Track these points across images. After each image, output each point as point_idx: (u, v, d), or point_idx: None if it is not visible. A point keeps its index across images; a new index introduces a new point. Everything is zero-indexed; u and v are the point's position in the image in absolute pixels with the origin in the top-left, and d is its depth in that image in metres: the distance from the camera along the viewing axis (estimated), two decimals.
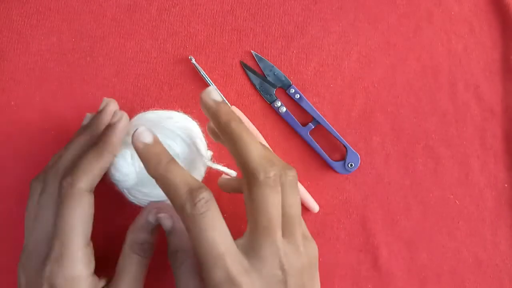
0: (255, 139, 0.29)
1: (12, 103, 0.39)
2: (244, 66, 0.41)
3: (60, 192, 0.29)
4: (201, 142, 0.34)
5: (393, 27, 0.43)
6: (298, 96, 0.41)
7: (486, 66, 0.44)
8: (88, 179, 0.30)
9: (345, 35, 0.43)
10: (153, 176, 0.28)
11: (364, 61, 0.43)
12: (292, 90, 0.41)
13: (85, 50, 0.40)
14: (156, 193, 0.33)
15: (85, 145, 0.32)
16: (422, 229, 0.41)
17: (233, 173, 0.34)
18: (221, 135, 0.30)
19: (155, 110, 0.35)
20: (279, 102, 0.41)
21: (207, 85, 0.40)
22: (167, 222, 0.32)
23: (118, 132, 0.31)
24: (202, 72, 0.40)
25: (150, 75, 0.40)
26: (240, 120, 0.30)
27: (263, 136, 0.40)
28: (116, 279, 0.31)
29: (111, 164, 0.32)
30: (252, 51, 0.41)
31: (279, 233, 0.28)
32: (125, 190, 0.33)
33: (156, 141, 0.29)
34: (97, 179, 0.30)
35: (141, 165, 0.30)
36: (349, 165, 0.40)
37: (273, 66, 0.41)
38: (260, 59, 0.41)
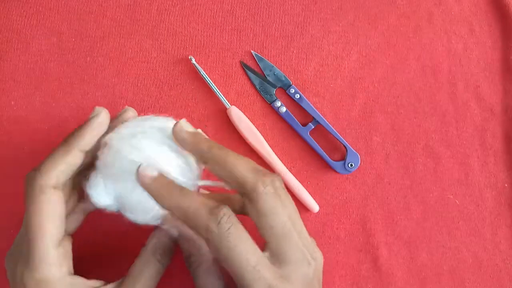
0: (239, 156, 0.29)
1: (12, 103, 0.39)
2: (244, 66, 0.41)
3: (24, 188, 0.28)
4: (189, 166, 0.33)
5: (393, 27, 0.43)
6: (298, 96, 0.41)
7: (486, 66, 0.44)
8: (52, 175, 0.28)
9: (345, 35, 0.43)
10: (168, 208, 0.28)
11: (364, 61, 0.43)
12: (292, 90, 0.41)
13: (85, 50, 0.40)
14: (142, 218, 0.31)
15: None
16: (422, 229, 0.41)
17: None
18: (207, 162, 0.29)
19: (135, 118, 0.33)
20: (279, 102, 0.41)
21: (207, 85, 0.40)
22: (173, 232, 0.31)
23: (90, 127, 0.30)
24: (202, 72, 0.40)
25: (150, 75, 0.40)
26: (218, 144, 0.30)
27: (263, 136, 0.40)
28: (130, 282, 0.30)
29: (89, 192, 0.30)
30: (252, 51, 0.41)
31: (295, 234, 0.28)
32: (116, 212, 0.32)
33: (161, 173, 0.29)
34: (64, 176, 0.29)
35: (117, 189, 0.29)
36: (349, 165, 0.40)
37: (273, 66, 0.41)
38: (260, 59, 0.41)
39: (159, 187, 0.28)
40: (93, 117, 0.30)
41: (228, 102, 0.40)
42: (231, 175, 0.28)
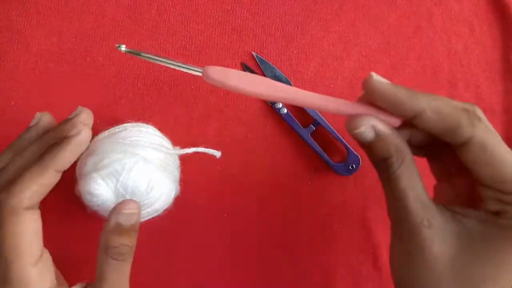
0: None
1: (12, 103, 0.39)
2: (245, 67, 0.41)
3: None
4: (165, 140, 0.35)
5: (393, 27, 0.43)
6: None
7: (486, 66, 0.44)
8: (26, 196, 0.27)
9: (345, 35, 0.43)
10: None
11: (364, 61, 0.43)
12: None
13: (85, 50, 0.40)
14: (143, 213, 0.33)
15: (34, 156, 0.29)
16: None
17: (216, 152, 0.35)
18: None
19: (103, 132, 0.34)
20: (280, 103, 0.41)
21: (207, 84, 0.40)
22: (368, 134, 0.28)
23: (70, 147, 0.28)
24: (147, 55, 0.30)
25: (150, 75, 0.40)
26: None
27: (263, 136, 0.40)
28: (97, 286, 0.28)
29: (85, 193, 0.30)
30: (253, 52, 0.41)
31: None
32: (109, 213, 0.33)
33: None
34: (38, 196, 0.28)
35: (114, 182, 0.30)
36: (350, 167, 0.40)
37: (274, 68, 0.41)
38: (261, 60, 0.41)
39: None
40: (74, 136, 0.28)
41: (228, 102, 0.40)
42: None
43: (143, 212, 0.33)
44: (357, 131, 0.27)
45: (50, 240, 0.39)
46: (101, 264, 0.28)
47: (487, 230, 0.26)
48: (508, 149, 0.26)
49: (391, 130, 0.27)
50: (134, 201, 0.29)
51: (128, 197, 0.31)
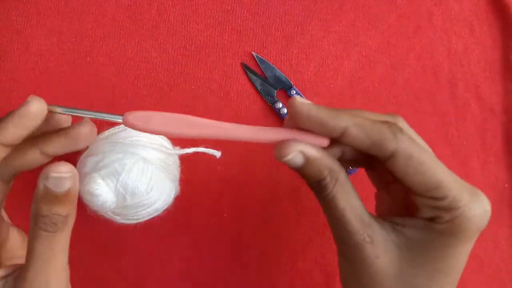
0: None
1: (12, 103, 0.39)
2: (245, 67, 0.41)
3: None
4: (165, 140, 0.35)
5: (393, 27, 0.43)
6: None
7: (486, 66, 0.44)
8: None
9: (345, 35, 0.43)
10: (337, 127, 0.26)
11: (364, 61, 0.43)
12: (293, 92, 0.41)
13: (85, 50, 0.40)
14: (143, 213, 0.33)
15: None
16: None
17: (216, 152, 0.35)
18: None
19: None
20: (280, 103, 0.41)
21: (207, 85, 0.40)
22: (297, 160, 0.27)
23: (12, 118, 0.27)
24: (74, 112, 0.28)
25: (150, 75, 0.40)
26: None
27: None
28: (25, 264, 0.25)
29: (85, 193, 0.30)
30: (253, 52, 0.41)
31: None
32: (109, 213, 0.33)
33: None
34: None
35: (114, 182, 0.30)
36: (349, 167, 0.40)
37: (274, 68, 0.41)
38: (261, 60, 0.41)
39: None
40: (19, 107, 0.26)
41: (229, 102, 0.40)
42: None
43: (143, 212, 0.33)
44: (286, 158, 0.27)
45: None
46: (31, 237, 0.25)
47: (425, 237, 0.27)
48: (433, 155, 0.27)
49: (320, 152, 0.27)
50: (67, 164, 0.25)
51: (128, 197, 0.31)
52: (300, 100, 0.26)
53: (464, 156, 0.42)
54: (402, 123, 0.28)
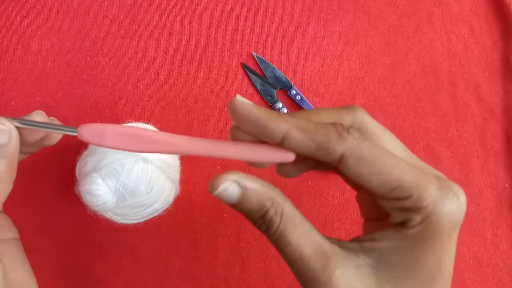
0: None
1: (12, 103, 0.39)
2: (245, 67, 0.41)
3: None
4: None
5: (393, 27, 0.43)
6: (299, 97, 0.41)
7: (486, 66, 0.44)
8: None
9: (345, 35, 0.43)
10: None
11: (364, 61, 0.43)
12: (293, 92, 0.41)
13: (85, 50, 0.40)
14: (143, 213, 0.33)
15: None
16: None
17: None
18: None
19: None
20: (280, 103, 0.41)
21: (206, 85, 0.40)
22: (232, 191, 0.23)
23: None
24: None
25: (150, 75, 0.40)
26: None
27: None
28: None
29: (85, 193, 0.31)
30: (253, 52, 0.41)
31: None
32: (109, 213, 0.33)
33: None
34: None
35: (114, 182, 0.30)
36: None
37: (274, 68, 0.41)
38: (262, 60, 0.41)
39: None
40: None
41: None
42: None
43: (143, 212, 0.33)
44: (217, 191, 0.22)
45: (50, 240, 0.39)
46: None
47: (400, 247, 0.23)
48: (389, 150, 0.23)
49: (257, 181, 0.24)
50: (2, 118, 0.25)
51: (128, 197, 0.31)
52: (240, 99, 0.23)
53: (464, 156, 0.42)
54: (360, 116, 0.24)
